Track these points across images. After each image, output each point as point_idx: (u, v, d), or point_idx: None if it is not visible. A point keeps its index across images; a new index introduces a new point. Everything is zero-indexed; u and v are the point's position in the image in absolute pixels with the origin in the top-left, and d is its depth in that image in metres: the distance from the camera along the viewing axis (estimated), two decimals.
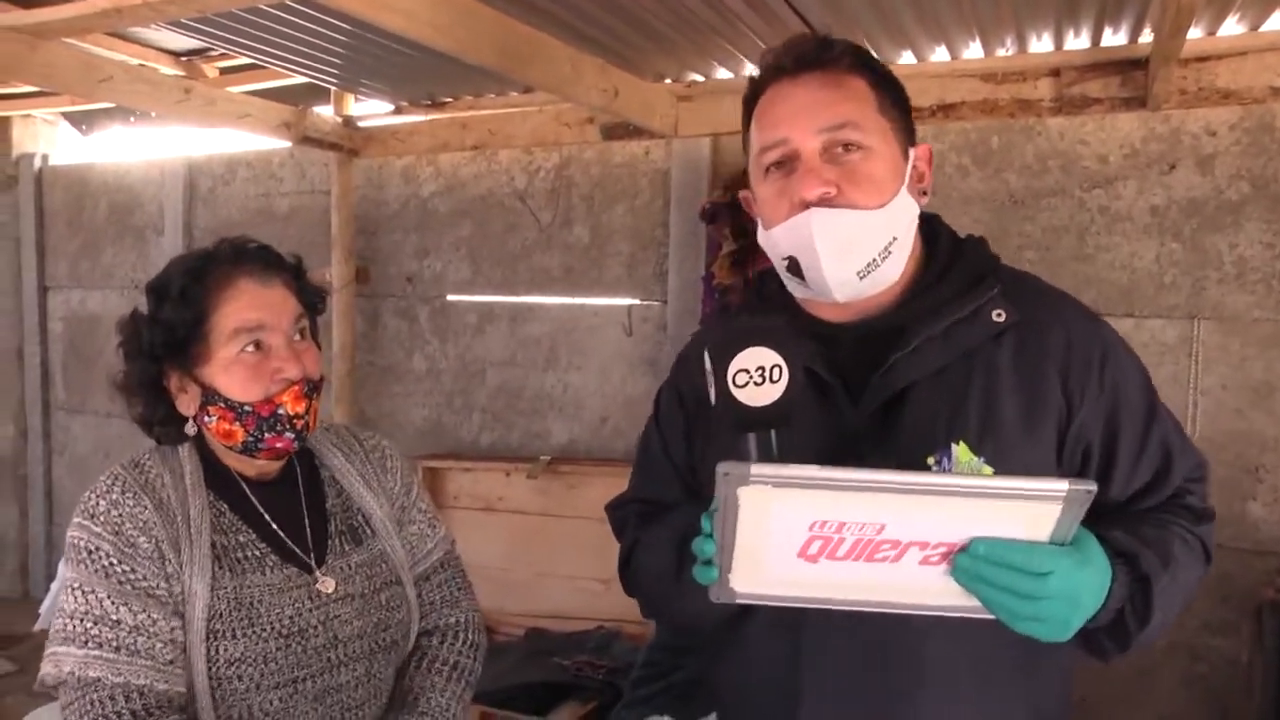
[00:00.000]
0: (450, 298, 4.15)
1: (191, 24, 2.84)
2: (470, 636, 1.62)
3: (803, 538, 0.96)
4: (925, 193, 1.20)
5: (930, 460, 1.10)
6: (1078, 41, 2.80)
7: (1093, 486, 0.89)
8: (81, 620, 1.28)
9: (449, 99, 3.94)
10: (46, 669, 1.30)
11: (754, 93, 1.22)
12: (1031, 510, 0.91)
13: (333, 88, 3.91)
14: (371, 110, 4.14)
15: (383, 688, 1.48)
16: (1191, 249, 2.87)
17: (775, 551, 0.98)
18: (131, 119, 5.06)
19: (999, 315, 1.12)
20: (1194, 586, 1.14)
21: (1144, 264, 2.92)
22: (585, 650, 3.28)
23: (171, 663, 1.29)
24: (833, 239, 1.11)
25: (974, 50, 2.92)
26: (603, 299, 3.73)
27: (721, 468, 0.91)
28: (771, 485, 0.92)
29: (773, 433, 1.03)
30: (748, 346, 1.02)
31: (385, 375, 4.32)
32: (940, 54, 2.97)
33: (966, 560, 0.93)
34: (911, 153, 1.18)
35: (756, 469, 0.92)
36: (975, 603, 0.97)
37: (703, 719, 2.51)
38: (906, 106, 1.21)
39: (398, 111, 4.09)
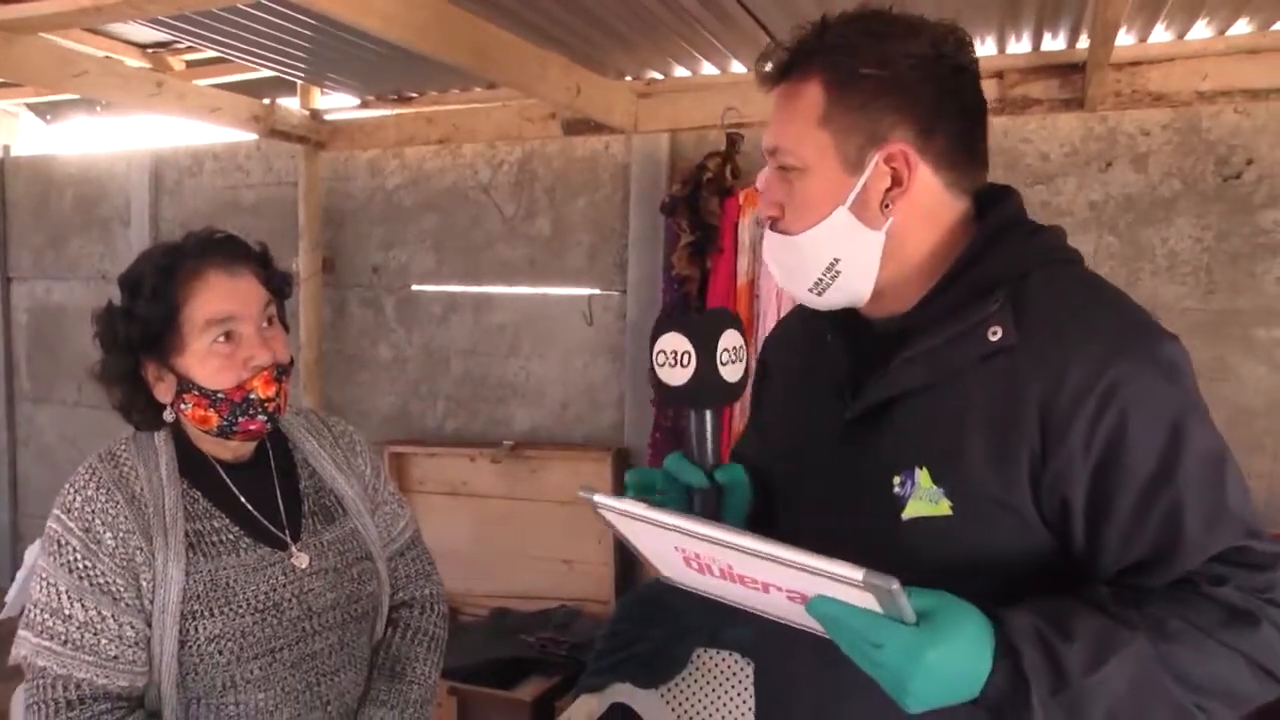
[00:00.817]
0: (415, 288, 4.22)
1: (164, 19, 2.89)
2: (441, 608, 1.74)
3: (678, 555, 0.98)
4: (888, 205, 1.06)
5: (895, 480, 1.04)
6: (1019, 45, 2.93)
7: (895, 585, 0.80)
8: (41, 610, 1.37)
9: (415, 94, 4.02)
10: (13, 649, 1.40)
11: None
12: (851, 591, 0.85)
13: (299, 81, 3.97)
14: (338, 104, 4.20)
15: (357, 655, 1.57)
16: (1127, 242, 3.02)
17: (668, 560, 1.01)
18: (97, 109, 5.07)
19: (995, 334, 0.99)
20: (1211, 699, 0.93)
21: (1084, 255, 3.05)
22: (549, 627, 3.39)
23: (115, 659, 1.36)
24: (775, 261, 1.14)
25: None
26: (564, 289, 3.82)
27: (581, 494, 0.98)
28: (617, 514, 0.97)
29: (708, 412, 1.11)
30: (668, 333, 1.11)
31: (352, 363, 4.39)
32: None
33: (813, 611, 0.88)
34: (874, 159, 1.05)
35: (600, 499, 0.97)
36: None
37: (662, 684, 2.63)
38: (907, 90, 1.05)
39: (364, 105, 4.15)
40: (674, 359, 1.10)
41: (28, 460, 5.41)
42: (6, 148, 5.39)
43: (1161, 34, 2.78)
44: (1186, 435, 0.95)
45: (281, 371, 1.46)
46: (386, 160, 4.24)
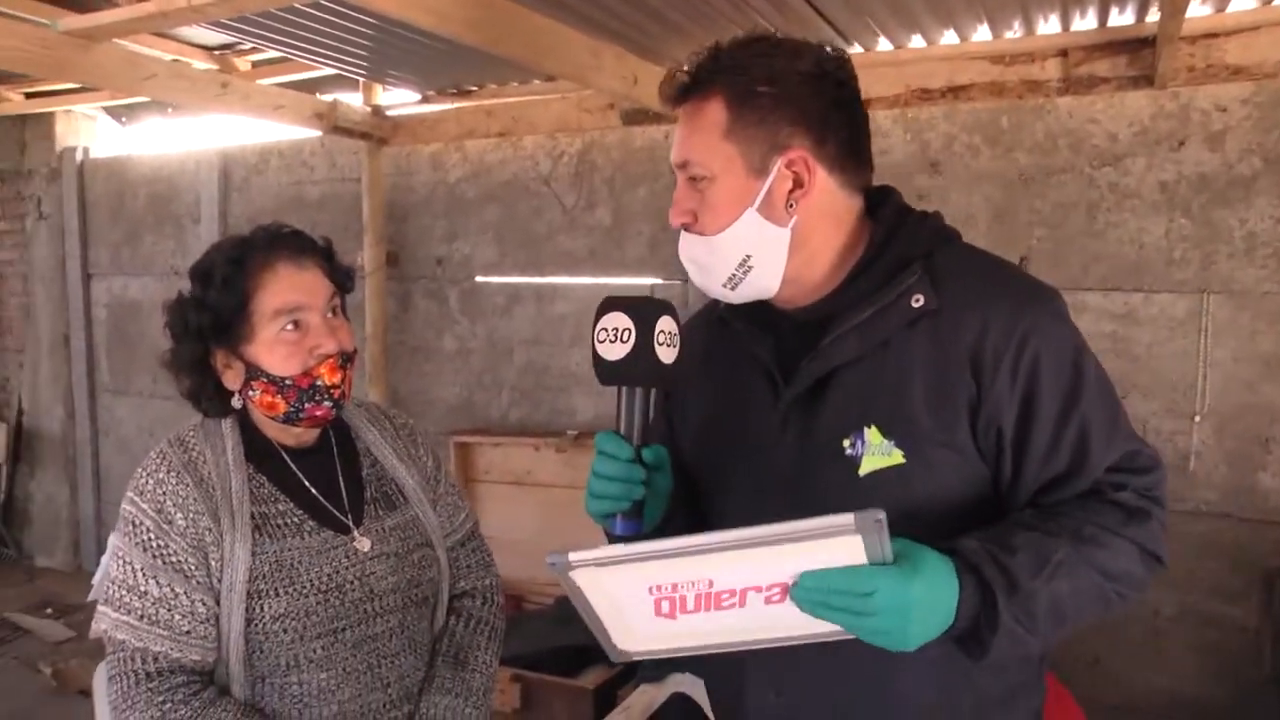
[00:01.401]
0: (479, 279, 4.28)
1: (227, 21, 2.96)
2: (499, 599, 1.76)
3: (649, 602, 1.02)
4: (792, 205, 1.17)
5: (845, 442, 1.16)
6: (1084, 22, 2.86)
7: (881, 515, 0.90)
8: (119, 587, 1.43)
9: (474, 87, 4.05)
10: (94, 624, 1.47)
11: None
12: (835, 544, 0.93)
13: (361, 79, 4.02)
14: (400, 99, 4.26)
15: (418, 639, 1.60)
16: (1201, 224, 2.93)
17: (634, 616, 1.05)
18: (169, 110, 5.21)
19: (917, 300, 1.15)
20: (1123, 585, 1.12)
21: (1153, 239, 2.98)
22: None
23: (188, 633, 1.42)
24: (690, 260, 1.24)
25: (982, 33, 2.98)
26: (625, 278, 3.83)
27: (548, 559, 1.00)
28: (594, 566, 1.00)
29: (635, 391, 1.19)
30: (611, 312, 1.19)
31: (416, 355, 4.45)
32: (949, 37, 3.04)
33: (800, 593, 0.97)
34: (776, 164, 1.16)
35: (575, 556, 0.99)
36: (836, 626, 1.00)
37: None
38: (799, 101, 1.16)
39: (425, 100, 4.20)
40: (614, 335, 1.18)
41: (109, 450, 5.60)
42: (86, 150, 5.56)
43: (1243, 2, 2.68)
44: (1084, 367, 1.14)
45: (346, 359, 1.51)
46: (448, 154, 4.29)
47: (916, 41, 3.09)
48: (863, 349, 1.17)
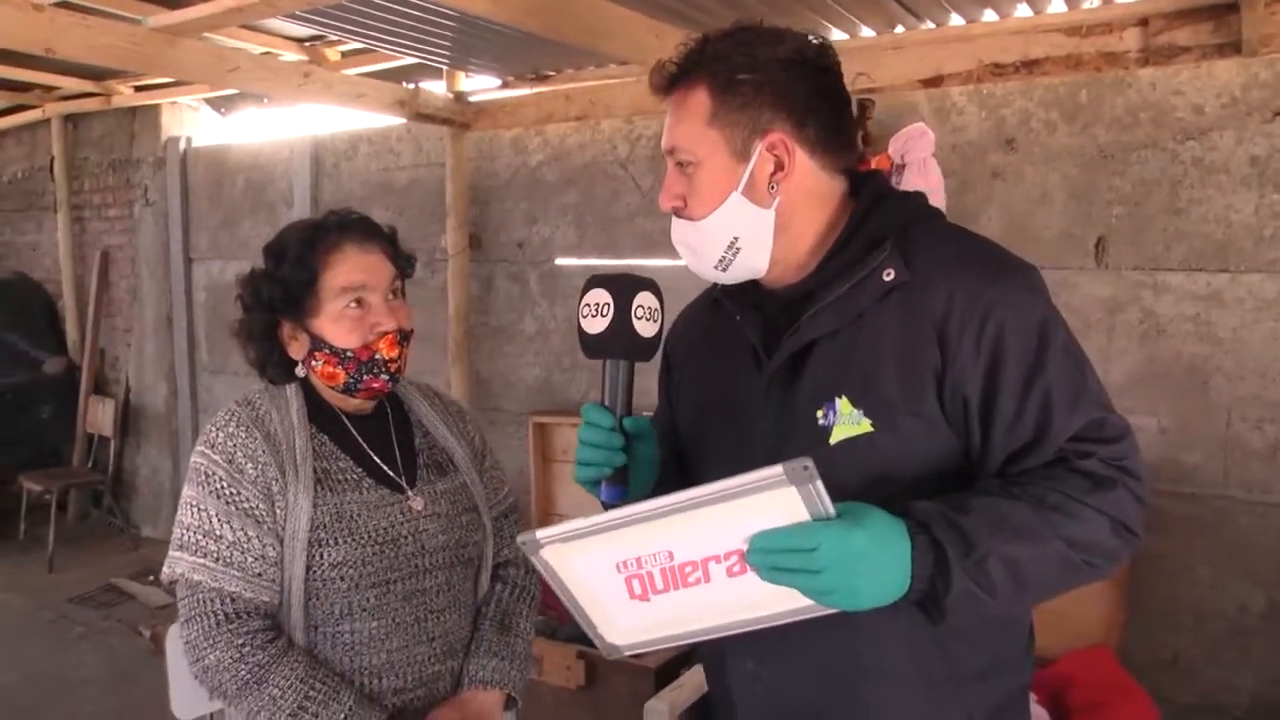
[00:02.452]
0: (558, 261, 4.34)
1: (307, 15, 3.06)
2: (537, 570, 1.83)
3: (620, 581, 1.07)
4: (774, 186, 1.22)
5: (819, 412, 1.20)
6: None
7: (809, 463, 0.93)
8: (194, 532, 1.53)
9: (552, 72, 4.11)
10: (164, 569, 1.57)
11: None
12: (774, 500, 0.96)
13: (443, 67, 4.11)
14: (481, 85, 4.35)
15: (462, 599, 1.69)
16: None
17: (611, 600, 1.09)
18: (264, 101, 5.41)
19: (888, 274, 1.18)
20: (1092, 554, 1.11)
21: (1241, 217, 2.86)
22: None
23: (259, 575, 1.52)
24: (681, 244, 1.29)
25: (1057, 4, 2.91)
26: None
27: (519, 539, 1.05)
28: (561, 542, 1.05)
29: (615, 362, 1.24)
30: (592, 289, 1.26)
31: (498, 336, 4.54)
32: (1023, 9, 2.97)
33: (754, 558, 1.00)
34: (758, 148, 1.21)
35: (542, 533, 1.04)
36: (807, 601, 1.03)
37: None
38: (781, 88, 1.21)
39: (505, 86, 4.29)
40: (595, 310, 1.24)
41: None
42: (189, 139, 5.81)
43: None
44: (1051, 335, 1.15)
45: (404, 337, 1.61)
46: (529, 138, 4.36)
47: (989, 15, 3.03)
48: (838, 323, 1.20)
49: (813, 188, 1.25)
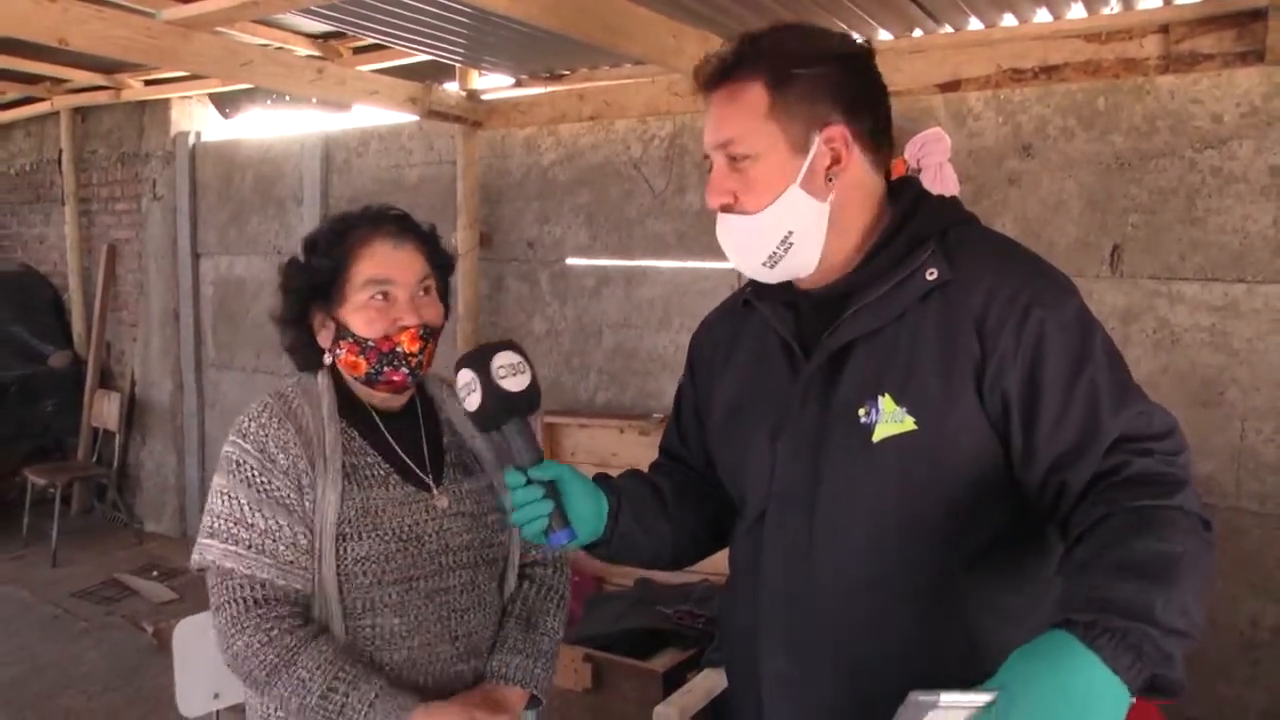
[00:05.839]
0: (569, 261, 4.33)
1: (322, 10, 3.05)
2: (567, 570, 1.86)
3: None
4: (831, 179, 1.22)
5: (861, 411, 1.20)
6: None
7: (920, 695, 0.87)
8: (225, 520, 1.54)
9: (566, 71, 4.09)
10: (194, 556, 1.57)
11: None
12: None
13: (457, 64, 4.10)
14: (494, 84, 4.33)
15: (487, 599, 1.68)
16: None
17: None
18: (269, 101, 5.40)
19: (931, 274, 1.19)
20: (1207, 558, 1.03)
21: (1259, 228, 2.85)
22: (689, 601, 3.42)
23: (291, 563, 1.53)
24: (730, 242, 1.28)
25: (1077, 10, 2.89)
26: (714, 263, 3.81)
27: (912, 695, 0.90)
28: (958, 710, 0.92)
29: (511, 424, 1.32)
30: (459, 370, 1.33)
31: (507, 336, 4.50)
32: (1042, 15, 2.96)
33: None
34: (816, 141, 1.21)
35: (946, 697, 0.90)
36: None
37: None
38: (832, 85, 1.21)
39: (519, 84, 4.27)
40: (467, 389, 1.31)
41: (214, 422, 5.84)
42: (198, 134, 5.81)
43: None
44: (1091, 332, 1.15)
45: (428, 332, 1.62)
46: (542, 137, 4.34)
47: (1008, 20, 3.01)
48: (879, 322, 1.21)
49: (863, 183, 1.25)
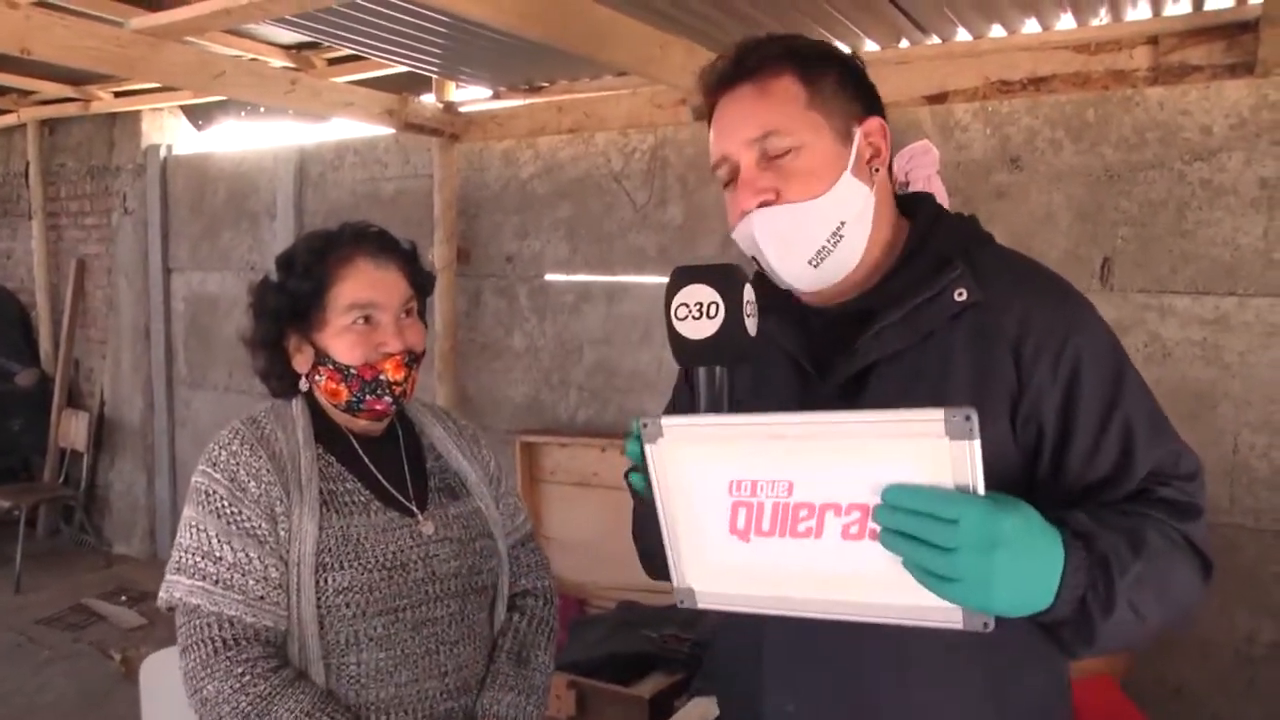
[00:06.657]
0: (549, 277, 4.25)
1: (297, 20, 2.98)
2: (556, 601, 1.80)
3: (726, 506, 0.98)
4: (877, 170, 1.20)
5: None
6: (1177, 6, 2.72)
7: (971, 413, 0.84)
8: (192, 554, 1.45)
9: (545, 83, 4.04)
10: (161, 594, 1.48)
11: (709, 106, 1.25)
12: (920, 450, 0.87)
13: (434, 76, 4.03)
14: (472, 96, 4.27)
15: (477, 630, 1.60)
16: None
17: (709, 527, 0.99)
18: (242, 113, 5.31)
19: (960, 295, 1.14)
20: (1188, 586, 1.08)
21: (1250, 240, 2.82)
22: (673, 624, 3.35)
23: (261, 598, 1.43)
24: (775, 235, 1.18)
25: (1066, 21, 2.86)
26: None
27: (640, 419, 0.97)
28: (683, 432, 0.98)
29: (720, 370, 1.07)
30: (692, 284, 1.07)
31: (485, 352, 4.45)
32: (1031, 26, 2.92)
33: (883, 514, 0.89)
34: (857, 133, 1.18)
35: (668, 420, 0.97)
36: (927, 600, 0.91)
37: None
38: (853, 82, 1.20)
39: (496, 96, 4.21)
40: (699, 311, 1.06)
41: (185, 442, 5.72)
42: (169, 147, 5.70)
43: None
44: (1125, 365, 1.14)
45: (412, 359, 1.55)
46: (521, 150, 4.28)
47: (996, 31, 2.97)
48: (904, 343, 1.16)
49: (886, 184, 1.23)
